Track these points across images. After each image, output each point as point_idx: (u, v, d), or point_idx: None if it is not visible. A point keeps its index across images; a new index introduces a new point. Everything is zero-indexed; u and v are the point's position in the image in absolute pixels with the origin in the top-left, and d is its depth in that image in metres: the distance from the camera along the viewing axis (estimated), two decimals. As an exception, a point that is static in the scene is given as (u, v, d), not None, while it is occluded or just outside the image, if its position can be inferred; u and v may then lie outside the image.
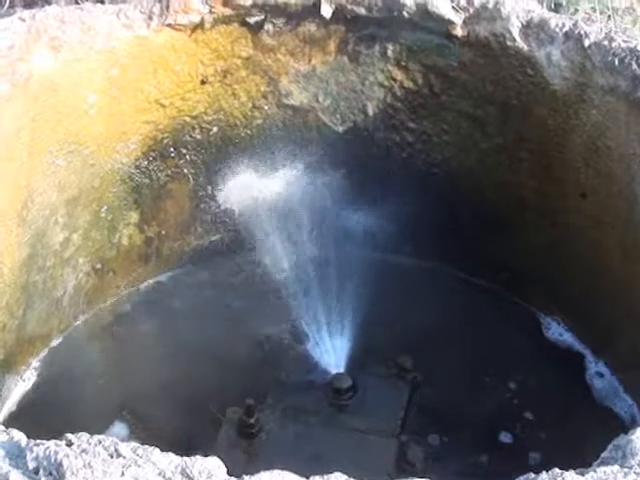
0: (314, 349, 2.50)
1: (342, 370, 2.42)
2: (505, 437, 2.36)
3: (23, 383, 2.50)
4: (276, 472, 1.26)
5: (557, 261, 2.59)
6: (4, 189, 2.25)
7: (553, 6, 3.51)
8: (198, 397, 2.40)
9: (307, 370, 2.45)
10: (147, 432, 2.36)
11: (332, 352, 2.47)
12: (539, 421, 2.40)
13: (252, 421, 2.23)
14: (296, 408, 2.34)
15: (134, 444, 1.29)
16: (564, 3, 3.54)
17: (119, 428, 2.39)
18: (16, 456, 1.28)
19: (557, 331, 2.64)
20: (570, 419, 2.36)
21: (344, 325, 2.53)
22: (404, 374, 2.44)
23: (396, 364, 2.47)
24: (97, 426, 2.34)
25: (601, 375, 2.50)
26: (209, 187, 2.79)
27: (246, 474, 1.26)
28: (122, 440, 1.31)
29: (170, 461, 1.26)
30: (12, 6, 4.22)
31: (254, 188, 2.75)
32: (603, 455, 1.35)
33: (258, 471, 1.26)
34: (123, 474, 1.22)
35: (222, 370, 2.48)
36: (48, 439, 1.30)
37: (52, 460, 1.24)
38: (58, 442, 1.28)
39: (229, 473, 1.27)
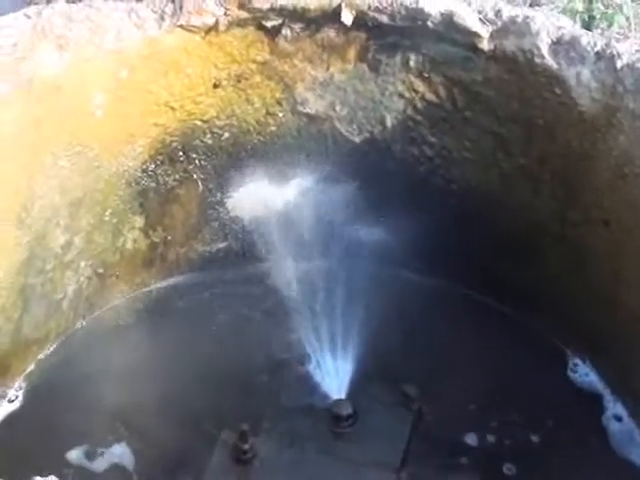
0: (316, 371, 2.41)
1: (343, 395, 2.32)
2: (509, 470, 2.25)
3: (17, 387, 2.42)
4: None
5: (572, 290, 2.48)
6: (3, 191, 2.18)
7: (587, 18, 3.38)
8: (193, 414, 2.33)
9: (307, 393, 2.35)
10: (140, 447, 2.30)
11: (334, 375, 2.37)
12: (548, 457, 2.29)
13: (246, 447, 2.14)
14: (293, 434, 2.24)
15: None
16: (598, 16, 3.41)
17: (111, 441, 2.31)
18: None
19: (573, 363, 2.52)
20: (580, 457, 2.25)
21: (349, 346, 2.43)
22: (409, 403, 2.32)
23: (401, 392, 2.35)
24: (89, 438, 2.30)
25: (619, 419, 2.38)
26: (218, 193, 2.70)
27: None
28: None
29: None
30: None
31: (265, 196, 2.66)
32: None
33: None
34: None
35: (220, 387, 2.40)
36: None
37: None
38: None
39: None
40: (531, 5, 3.93)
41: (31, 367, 2.48)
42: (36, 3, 3.97)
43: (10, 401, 2.37)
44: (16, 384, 2.41)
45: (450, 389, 2.41)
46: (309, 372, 2.42)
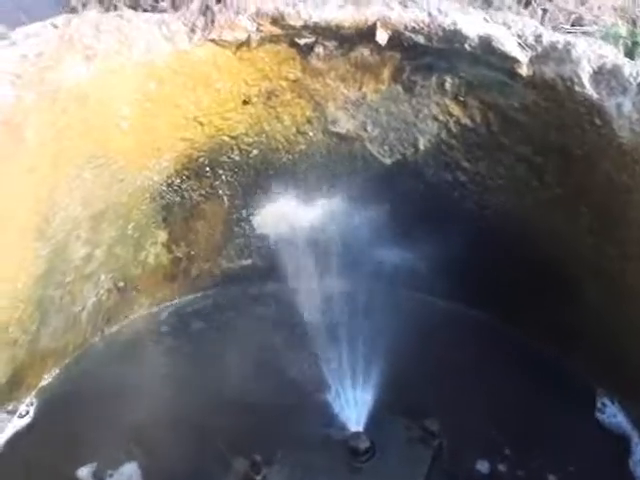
0: (335, 400, 2.33)
1: (361, 428, 2.25)
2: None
3: (28, 402, 2.38)
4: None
5: (605, 326, 2.39)
6: (23, 202, 2.14)
7: (630, 44, 3.28)
8: (207, 438, 2.27)
9: (324, 423, 2.28)
10: (150, 468, 2.25)
11: (353, 405, 2.30)
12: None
13: (258, 478, 2.07)
14: (307, 466, 2.17)
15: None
16: (644, 42, 3.32)
17: (122, 460, 2.27)
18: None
19: (601, 403, 2.43)
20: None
21: (370, 375, 2.36)
22: (428, 439, 2.24)
23: (421, 426, 2.27)
24: (100, 457, 2.26)
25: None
26: (244, 210, 2.65)
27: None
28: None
29: None
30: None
31: (292, 215, 2.61)
32: None
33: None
34: None
35: (236, 411, 2.34)
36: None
37: None
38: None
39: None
40: (573, 24, 3.85)
41: (45, 381, 2.44)
42: (73, 7, 3.96)
43: (21, 416, 2.33)
44: (28, 399, 2.37)
45: (472, 424, 2.33)
46: (328, 401, 2.35)
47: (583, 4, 3.95)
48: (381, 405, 2.32)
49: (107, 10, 3.96)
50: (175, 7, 3.79)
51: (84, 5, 4.01)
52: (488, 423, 2.33)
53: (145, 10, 3.92)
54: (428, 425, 2.27)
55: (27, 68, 2.07)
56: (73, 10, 3.98)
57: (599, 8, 3.98)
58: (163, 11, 3.73)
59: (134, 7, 3.96)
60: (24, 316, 2.25)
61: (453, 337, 2.58)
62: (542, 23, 3.75)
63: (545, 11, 3.82)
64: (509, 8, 3.74)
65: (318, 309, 2.58)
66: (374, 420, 2.27)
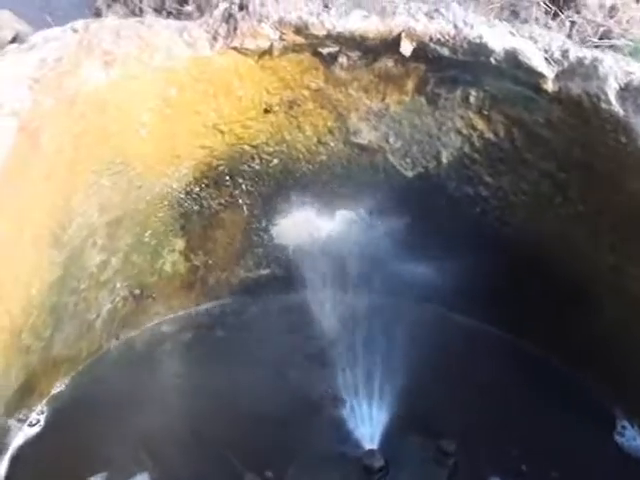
0: (350, 416, 2.30)
1: (375, 446, 2.21)
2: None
3: (39, 410, 2.35)
4: None
5: (626, 347, 2.35)
6: (39, 209, 2.11)
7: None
8: (219, 451, 2.24)
9: (338, 440, 2.25)
10: (162, 478, 2.21)
11: (368, 422, 2.26)
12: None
13: (269, 497, 2.05)
14: (319, 483, 2.14)
15: None
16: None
17: (133, 471, 2.23)
18: None
19: (621, 426, 2.38)
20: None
21: (387, 390, 2.33)
22: (444, 459, 2.20)
23: (437, 446, 2.23)
24: (110, 467, 2.23)
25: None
26: (264, 220, 2.62)
27: None
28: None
29: None
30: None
31: (311, 226, 2.58)
32: None
33: None
34: None
35: (250, 424, 2.31)
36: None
37: None
38: None
39: None
40: (601, 38, 3.80)
41: (57, 389, 2.41)
42: (98, 8, 3.95)
43: (31, 425, 2.29)
44: (39, 407, 2.34)
45: (488, 444, 2.29)
46: (343, 417, 2.32)
47: (612, 17, 3.89)
48: (396, 422, 2.28)
49: (132, 12, 3.95)
50: (201, 10, 3.77)
51: (109, 6, 3.99)
52: (503, 442, 2.28)
53: (169, 13, 3.91)
54: (443, 445, 2.23)
55: (45, 73, 2.04)
56: (97, 11, 3.98)
57: (628, 22, 3.92)
58: (188, 15, 3.71)
59: (159, 10, 3.95)
60: (37, 322, 2.22)
61: (468, 353, 2.54)
62: (570, 36, 3.70)
63: (573, 23, 3.77)
64: (536, 20, 3.69)
65: (335, 321, 2.54)
66: (389, 438, 2.23)
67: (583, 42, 3.62)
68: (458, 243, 2.51)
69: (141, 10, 3.95)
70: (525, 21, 3.78)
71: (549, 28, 3.70)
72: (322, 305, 2.56)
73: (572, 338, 2.47)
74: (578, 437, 2.32)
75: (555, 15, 3.89)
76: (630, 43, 3.55)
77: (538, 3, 3.78)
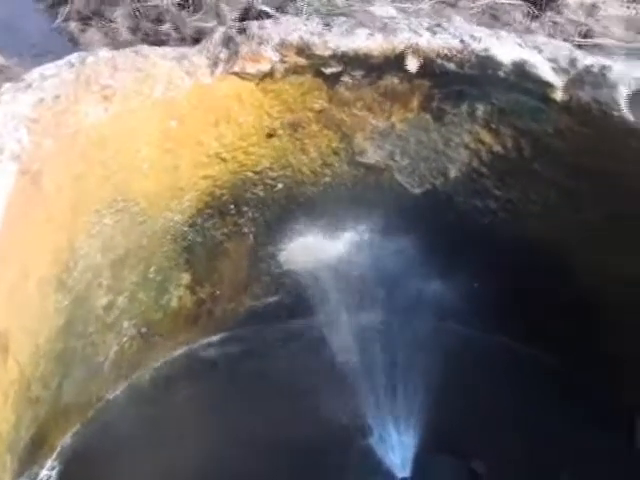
0: (378, 445, 2.22)
1: (407, 475, 2.14)
2: None
3: (50, 466, 2.25)
4: None
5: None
6: (42, 252, 2.02)
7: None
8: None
9: (368, 471, 2.17)
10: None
11: (398, 449, 2.19)
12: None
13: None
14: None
15: None
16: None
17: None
18: None
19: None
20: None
21: (412, 415, 2.26)
22: (475, 481, 2.15)
23: (468, 469, 2.17)
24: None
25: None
26: (270, 246, 2.55)
27: None
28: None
29: None
30: (67, 20, 4.05)
31: (318, 250, 2.50)
32: None
33: None
34: None
35: (270, 458, 2.24)
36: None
37: None
38: None
39: None
40: (585, 36, 3.77)
41: (67, 440, 2.31)
42: (70, 32, 3.87)
43: (43, 483, 2.20)
44: (49, 462, 2.24)
45: (517, 463, 2.24)
46: (371, 446, 2.24)
47: (592, 16, 3.87)
48: (426, 448, 2.21)
49: (106, 34, 3.87)
50: (179, 30, 3.71)
51: (82, 31, 3.91)
52: (531, 460, 2.24)
53: (146, 34, 3.84)
54: (475, 467, 2.18)
55: (43, 112, 1.96)
56: (71, 35, 3.89)
57: (607, 19, 3.91)
58: (167, 34, 3.65)
59: (134, 30, 3.88)
60: (45, 372, 2.14)
61: (487, 369, 2.50)
62: (553, 36, 3.67)
63: (555, 24, 3.74)
64: (520, 23, 3.66)
65: (348, 345, 2.47)
66: (420, 465, 2.17)
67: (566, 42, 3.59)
68: (467, 257, 2.46)
69: (115, 32, 3.87)
70: (507, 24, 3.75)
71: (532, 31, 3.67)
72: (333, 328, 2.50)
73: (593, 349, 2.44)
74: (604, 452, 2.29)
75: (535, 17, 3.86)
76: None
77: (520, 6, 3.75)
